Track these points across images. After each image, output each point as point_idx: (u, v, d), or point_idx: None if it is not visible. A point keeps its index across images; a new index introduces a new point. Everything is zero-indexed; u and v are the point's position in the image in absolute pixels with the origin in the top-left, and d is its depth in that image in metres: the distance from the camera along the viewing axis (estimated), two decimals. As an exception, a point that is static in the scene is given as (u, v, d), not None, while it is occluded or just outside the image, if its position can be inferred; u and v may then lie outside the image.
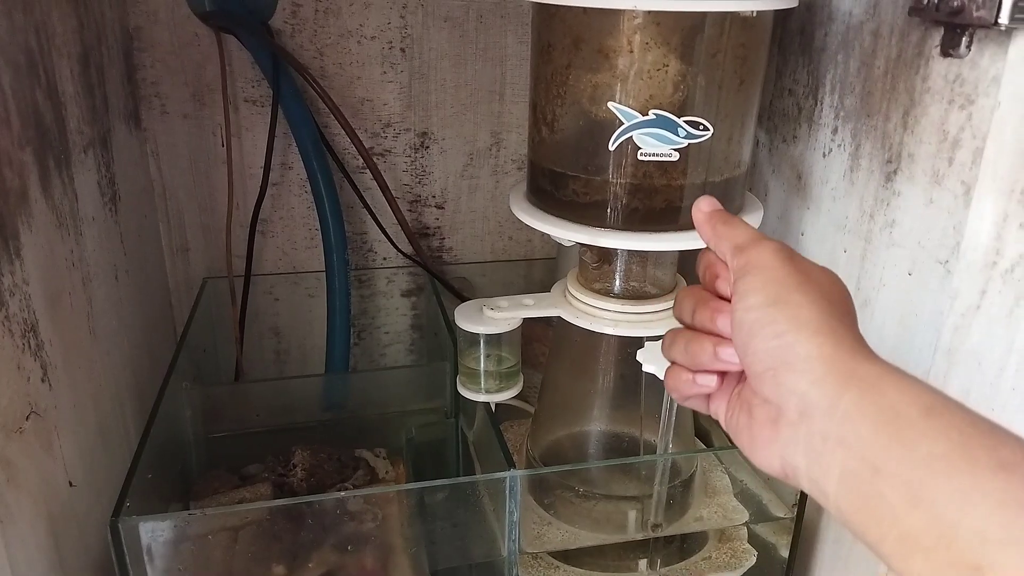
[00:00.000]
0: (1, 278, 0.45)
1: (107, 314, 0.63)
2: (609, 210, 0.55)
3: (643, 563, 0.65)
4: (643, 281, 0.61)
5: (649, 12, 0.49)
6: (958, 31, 0.46)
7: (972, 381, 0.50)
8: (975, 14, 0.43)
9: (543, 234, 0.58)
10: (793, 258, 0.35)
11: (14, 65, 0.48)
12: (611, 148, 0.53)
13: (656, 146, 0.52)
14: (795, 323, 0.32)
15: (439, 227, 0.92)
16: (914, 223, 0.53)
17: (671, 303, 0.60)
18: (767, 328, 0.33)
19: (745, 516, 0.65)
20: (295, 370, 0.94)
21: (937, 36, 0.49)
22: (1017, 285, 0.47)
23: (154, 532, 0.51)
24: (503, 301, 0.62)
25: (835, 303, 0.33)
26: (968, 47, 0.46)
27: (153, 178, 0.82)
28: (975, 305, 0.49)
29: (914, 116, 0.52)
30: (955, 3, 0.44)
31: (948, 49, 0.47)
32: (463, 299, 0.82)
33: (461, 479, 0.57)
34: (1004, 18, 0.42)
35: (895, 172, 0.54)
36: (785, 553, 0.65)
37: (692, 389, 0.38)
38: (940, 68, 0.50)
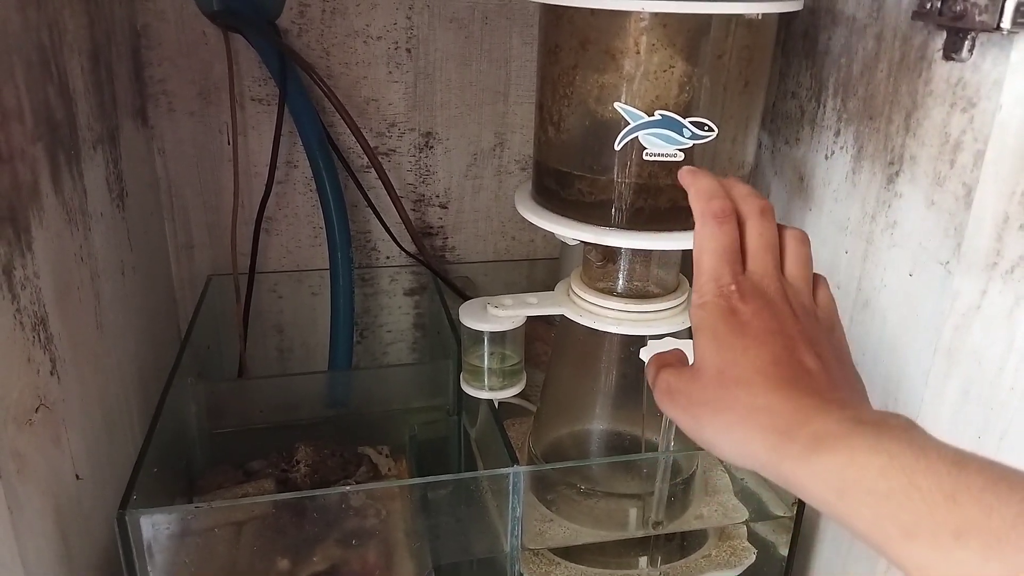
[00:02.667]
0: (14, 271, 0.45)
1: (114, 309, 0.64)
2: (614, 209, 0.56)
3: (643, 560, 0.65)
4: (647, 280, 0.61)
5: (656, 14, 0.50)
6: (960, 35, 0.47)
7: (972, 381, 0.51)
8: (978, 18, 0.44)
9: (545, 234, 0.58)
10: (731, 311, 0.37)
11: (27, 61, 0.49)
12: (617, 148, 0.53)
13: (661, 146, 0.53)
14: (732, 428, 0.36)
15: (442, 226, 0.93)
16: (915, 224, 0.53)
17: (674, 303, 0.60)
18: (704, 428, 0.38)
19: (745, 514, 0.65)
20: (298, 367, 0.95)
21: (940, 40, 0.50)
22: (1017, 286, 0.48)
23: (160, 525, 0.51)
24: (507, 299, 0.62)
25: (780, 358, 0.35)
26: (970, 51, 0.47)
27: (159, 175, 0.82)
28: (975, 305, 0.50)
29: (916, 119, 0.53)
30: (958, 7, 0.45)
31: (950, 53, 0.48)
32: (466, 298, 0.82)
33: (465, 474, 0.58)
34: (1006, 22, 0.43)
35: (897, 174, 0.55)
36: (784, 551, 0.66)
37: None
38: (942, 72, 0.50)
